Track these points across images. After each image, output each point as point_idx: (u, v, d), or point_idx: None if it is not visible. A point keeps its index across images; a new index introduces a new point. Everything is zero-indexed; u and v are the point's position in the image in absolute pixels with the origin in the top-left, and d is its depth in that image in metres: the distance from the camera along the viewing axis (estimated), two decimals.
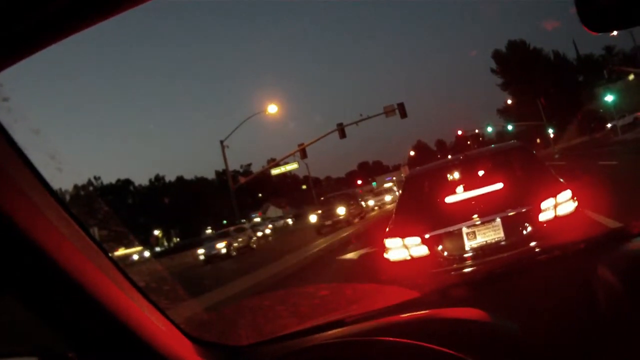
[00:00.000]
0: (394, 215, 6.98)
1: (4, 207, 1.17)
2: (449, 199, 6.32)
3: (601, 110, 64.32)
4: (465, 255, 5.83)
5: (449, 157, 12.62)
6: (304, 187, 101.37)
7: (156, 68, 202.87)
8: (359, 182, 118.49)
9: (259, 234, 57.03)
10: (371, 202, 51.87)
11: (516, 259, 3.95)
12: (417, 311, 1.89)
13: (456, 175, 7.28)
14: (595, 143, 50.16)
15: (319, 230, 34.06)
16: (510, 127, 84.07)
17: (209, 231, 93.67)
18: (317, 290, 3.40)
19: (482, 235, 5.80)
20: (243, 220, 53.54)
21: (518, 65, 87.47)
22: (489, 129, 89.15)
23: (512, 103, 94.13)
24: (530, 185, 6.31)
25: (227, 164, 42.25)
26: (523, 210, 5.79)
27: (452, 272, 5.76)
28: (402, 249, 6.03)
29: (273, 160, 66.12)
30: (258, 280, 15.64)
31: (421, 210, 6.77)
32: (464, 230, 5.85)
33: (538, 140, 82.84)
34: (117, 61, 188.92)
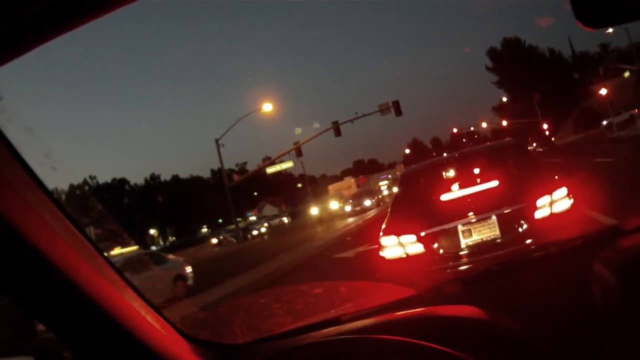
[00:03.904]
0: (389, 213, 6.99)
1: None
2: (445, 197, 6.33)
3: (596, 108, 64.46)
4: (461, 252, 5.85)
5: (445, 154, 12.64)
6: (300, 185, 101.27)
7: (151, 67, 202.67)
8: None
9: (255, 232, 57.04)
10: None
11: (512, 256, 3.96)
12: (412, 309, 1.89)
13: (451, 173, 7.29)
14: (591, 140, 50.19)
15: None
16: (505, 124, 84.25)
17: (204, 230, 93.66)
18: (312, 288, 3.39)
19: (477, 233, 5.81)
20: (239, 219, 53.51)
21: (513, 63, 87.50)
22: (484, 126, 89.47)
23: (507, 100, 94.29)
24: (525, 183, 6.32)
25: (223, 163, 42.31)
26: (518, 207, 5.81)
27: (448, 270, 5.78)
28: (397, 246, 6.04)
29: (268, 158, 66.11)
30: (253, 278, 15.65)
31: (417, 208, 6.77)
32: (460, 227, 5.86)
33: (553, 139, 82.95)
34: (113, 60, 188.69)
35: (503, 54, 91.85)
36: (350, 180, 74.11)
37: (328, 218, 47.29)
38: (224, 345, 1.95)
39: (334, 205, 52.90)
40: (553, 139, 73.83)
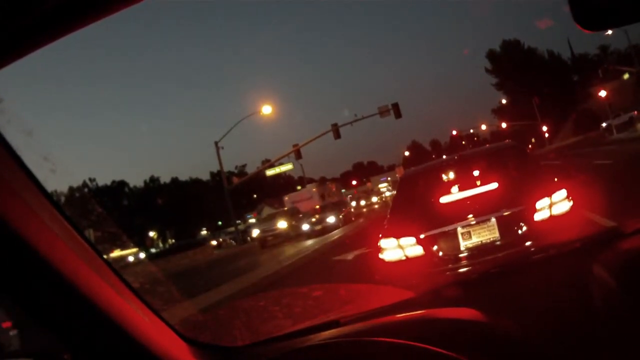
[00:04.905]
0: (389, 215, 6.98)
1: None
2: (444, 199, 6.32)
3: (596, 110, 64.48)
4: (461, 255, 5.83)
5: (444, 157, 12.65)
6: (299, 188, 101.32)
7: (150, 69, 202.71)
8: (354, 182, 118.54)
9: (254, 234, 56.77)
10: None
11: (511, 258, 3.96)
12: (412, 311, 1.89)
13: (451, 175, 7.28)
14: (590, 142, 50.13)
15: None
16: (504, 126, 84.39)
17: (204, 232, 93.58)
18: (311, 291, 3.39)
19: (477, 235, 5.80)
20: (238, 222, 53.34)
21: (512, 65, 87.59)
22: (483, 128, 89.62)
23: (506, 103, 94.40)
24: (525, 185, 6.31)
25: (222, 165, 42.28)
26: (518, 209, 5.79)
27: (447, 272, 5.77)
28: (397, 249, 6.03)
29: (268, 161, 66.05)
30: (253, 281, 15.63)
31: (416, 210, 6.75)
32: (459, 230, 5.85)
33: (533, 140, 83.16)
34: (112, 63, 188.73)
35: (502, 56, 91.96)
36: (310, 190, 58.61)
37: (273, 241, 36.39)
38: (224, 348, 1.95)
39: (281, 224, 37.28)
40: (530, 145, 76.60)
